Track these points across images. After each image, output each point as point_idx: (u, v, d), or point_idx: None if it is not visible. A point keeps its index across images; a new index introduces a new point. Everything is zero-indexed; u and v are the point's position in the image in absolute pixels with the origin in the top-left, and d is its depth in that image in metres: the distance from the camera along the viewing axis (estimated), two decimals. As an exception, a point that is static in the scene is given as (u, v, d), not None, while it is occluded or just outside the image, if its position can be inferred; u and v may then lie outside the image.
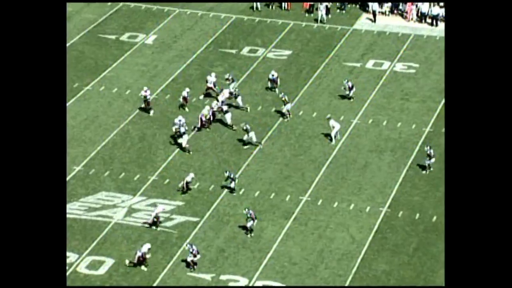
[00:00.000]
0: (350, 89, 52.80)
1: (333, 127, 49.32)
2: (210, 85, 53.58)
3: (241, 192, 45.38)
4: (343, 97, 53.49)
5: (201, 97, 53.55)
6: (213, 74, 53.97)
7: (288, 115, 51.50)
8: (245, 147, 48.97)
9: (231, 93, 52.35)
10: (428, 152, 46.62)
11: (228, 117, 50.69)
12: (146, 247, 40.17)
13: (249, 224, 42.19)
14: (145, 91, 51.91)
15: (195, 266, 40.06)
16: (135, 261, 40.08)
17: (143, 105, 52.29)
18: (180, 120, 49.03)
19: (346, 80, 53.30)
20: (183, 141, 48.67)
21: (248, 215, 42.20)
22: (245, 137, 49.00)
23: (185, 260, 40.19)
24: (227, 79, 53.44)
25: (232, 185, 45.29)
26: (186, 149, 48.50)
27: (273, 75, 54.27)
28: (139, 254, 39.97)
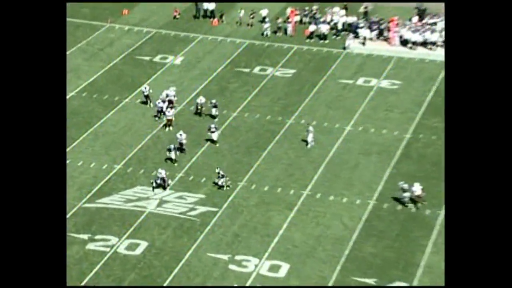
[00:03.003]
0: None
1: (309, 134, 48.86)
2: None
3: (252, 187, 45.40)
4: (338, 108, 53.59)
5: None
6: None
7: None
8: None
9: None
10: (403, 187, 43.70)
11: (216, 134, 49.55)
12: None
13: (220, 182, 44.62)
14: (145, 88, 53.89)
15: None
16: None
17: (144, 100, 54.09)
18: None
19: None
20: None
21: (219, 174, 44.76)
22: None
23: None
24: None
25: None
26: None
27: (201, 100, 52.79)
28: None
